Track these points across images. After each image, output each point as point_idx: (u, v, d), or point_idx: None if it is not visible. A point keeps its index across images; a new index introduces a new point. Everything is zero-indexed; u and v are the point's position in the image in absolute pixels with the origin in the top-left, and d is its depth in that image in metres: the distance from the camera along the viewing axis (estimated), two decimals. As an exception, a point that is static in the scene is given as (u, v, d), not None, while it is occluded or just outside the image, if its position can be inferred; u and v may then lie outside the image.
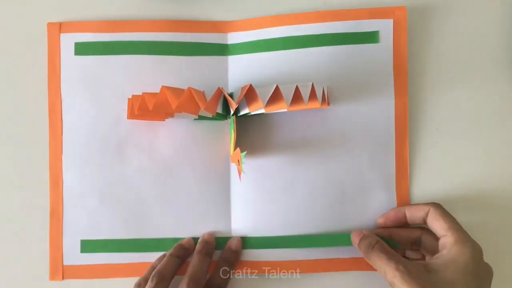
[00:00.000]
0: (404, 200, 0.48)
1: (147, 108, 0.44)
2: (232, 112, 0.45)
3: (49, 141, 0.49)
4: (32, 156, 0.49)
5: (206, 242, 0.48)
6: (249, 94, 0.43)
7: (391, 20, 0.48)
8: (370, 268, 0.47)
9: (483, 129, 0.49)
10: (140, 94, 0.46)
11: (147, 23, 0.49)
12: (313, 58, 0.48)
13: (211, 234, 0.48)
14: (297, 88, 0.42)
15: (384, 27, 0.48)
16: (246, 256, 0.48)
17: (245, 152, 0.41)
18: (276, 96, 0.42)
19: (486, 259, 0.42)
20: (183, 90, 0.44)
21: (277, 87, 0.42)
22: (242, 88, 0.45)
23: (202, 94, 0.45)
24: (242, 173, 0.42)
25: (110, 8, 0.50)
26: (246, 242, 0.48)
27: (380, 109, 0.48)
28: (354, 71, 0.48)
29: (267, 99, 0.42)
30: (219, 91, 0.44)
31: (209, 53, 0.49)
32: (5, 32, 0.50)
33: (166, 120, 0.48)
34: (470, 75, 0.49)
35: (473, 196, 0.48)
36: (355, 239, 0.46)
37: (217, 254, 0.49)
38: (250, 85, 0.42)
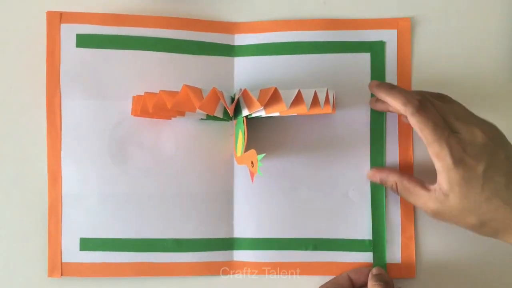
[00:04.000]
0: (407, 207, 0.49)
1: (164, 106, 0.43)
2: (243, 113, 0.46)
3: (47, 137, 0.48)
4: (30, 152, 0.48)
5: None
6: (272, 97, 0.44)
7: (395, 31, 0.50)
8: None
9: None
10: (145, 91, 0.45)
11: (154, 19, 0.49)
12: (317, 65, 0.49)
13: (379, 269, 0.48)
14: (315, 94, 0.44)
15: (389, 37, 0.50)
16: (246, 257, 0.49)
17: (263, 154, 0.41)
18: (297, 100, 0.43)
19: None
20: (200, 90, 0.44)
21: (299, 92, 0.43)
22: (260, 90, 0.45)
23: (199, 91, 0.44)
24: (257, 174, 0.43)
25: (115, 0, 0.49)
26: (247, 243, 0.49)
27: (383, 115, 0.49)
28: (359, 78, 0.49)
29: (290, 103, 0.43)
30: (214, 91, 0.44)
31: (215, 53, 0.49)
32: (2, 22, 0.48)
33: (172, 118, 0.48)
34: (474, 87, 0.50)
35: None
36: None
37: (216, 254, 0.49)
38: (275, 88, 0.43)
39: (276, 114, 0.45)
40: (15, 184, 0.48)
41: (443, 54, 0.50)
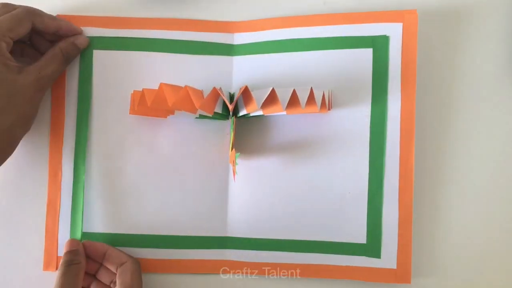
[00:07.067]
0: (406, 211, 0.46)
1: (146, 103, 0.44)
2: (231, 112, 0.45)
3: (50, 131, 0.49)
4: (33, 146, 0.50)
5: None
6: (246, 96, 0.43)
7: (401, 24, 0.46)
8: (369, 278, 0.47)
9: (495, 139, 0.47)
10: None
11: (155, 21, 0.49)
12: (318, 61, 0.47)
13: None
14: (294, 92, 0.41)
15: (393, 31, 0.47)
16: (246, 257, 0.48)
17: (238, 154, 0.40)
18: (272, 99, 0.42)
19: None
20: (182, 87, 0.44)
21: (272, 90, 0.41)
22: (240, 89, 0.44)
23: (200, 93, 0.44)
24: (235, 174, 0.42)
25: (118, 4, 0.50)
26: (240, 242, 0.48)
27: (385, 115, 0.47)
28: (360, 75, 0.47)
29: (262, 101, 0.41)
30: (215, 91, 0.43)
31: (214, 52, 0.49)
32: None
33: (168, 117, 0.48)
34: (481, 82, 0.47)
35: (476, 206, 0.47)
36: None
37: (209, 253, 0.48)
38: (246, 86, 0.42)
39: (260, 112, 0.43)
40: (16, 177, 0.50)
41: (450, 50, 0.48)
